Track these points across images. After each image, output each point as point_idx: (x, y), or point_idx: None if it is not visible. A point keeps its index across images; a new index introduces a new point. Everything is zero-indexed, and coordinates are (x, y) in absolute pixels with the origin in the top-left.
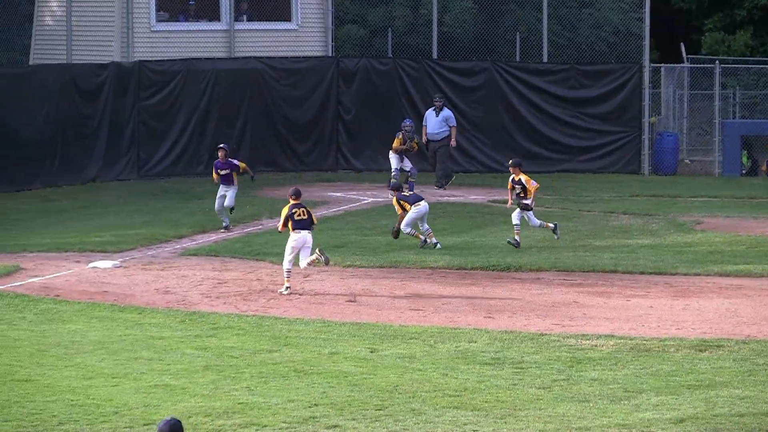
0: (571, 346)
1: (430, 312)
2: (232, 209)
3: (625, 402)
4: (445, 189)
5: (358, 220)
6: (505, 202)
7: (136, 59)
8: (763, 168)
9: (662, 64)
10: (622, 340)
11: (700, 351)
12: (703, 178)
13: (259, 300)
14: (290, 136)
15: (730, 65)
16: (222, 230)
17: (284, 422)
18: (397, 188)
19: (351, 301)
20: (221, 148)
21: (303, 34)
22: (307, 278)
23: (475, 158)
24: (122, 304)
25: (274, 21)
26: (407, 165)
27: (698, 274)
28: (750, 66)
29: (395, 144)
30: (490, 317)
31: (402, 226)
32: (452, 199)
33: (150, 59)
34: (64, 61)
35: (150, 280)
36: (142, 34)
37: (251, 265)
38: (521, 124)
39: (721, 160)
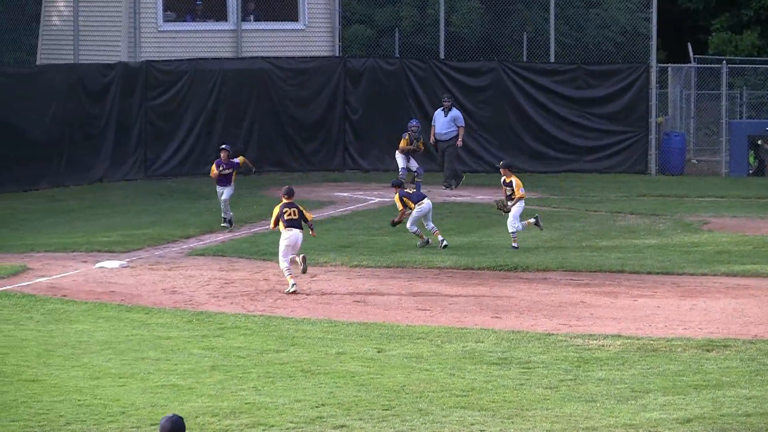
0: (578, 346)
1: (437, 312)
2: (230, 222)
3: (632, 402)
4: (452, 189)
5: (365, 220)
6: None
7: (143, 59)
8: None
9: (669, 64)
10: (629, 340)
11: (707, 351)
12: (710, 178)
13: (266, 300)
14: (297, 136)
15: (737, 65)
16: (224, 225)
17: (291, 422)
18: (398, 185)
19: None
20: (223, 149)
21: (310, 34)
22: (314, 278)
23: (482, 158)
24: (129, 304)
25: (281, 21)
26: (413, 165)
27: (705, 274)
28: (757, 66)
29: (401, 144)
30: (497, 317)
31: (408, 225)
32: (459, 199)
33: (157, 59)
34: (71, 61)
35: (157, 280)
36: (149, 34)
37: (258, 265)
38: (528, 124)
39: (728, 160)
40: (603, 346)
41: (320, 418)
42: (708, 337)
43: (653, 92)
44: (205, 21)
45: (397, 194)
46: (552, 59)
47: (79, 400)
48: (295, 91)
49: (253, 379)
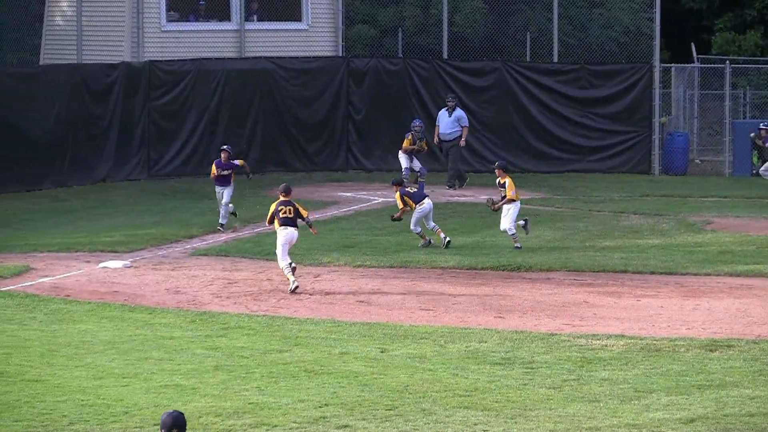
0: (582, 346)
1: (440, 312)
2: (234, 214)
3: (636, 402)
4: (456, 189)
5: (369, 220)
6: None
7: (146, 59)
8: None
9: (672, 64)
10: (632, 340)
11: (711, 351)
12: (713, 178)
13: (270, 300)
14: (300, 136)
15: (740, 65)
16: (219, 228)
17: (294, 422)
18: (398, 183)
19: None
20: (224, 150)
21: (313, 34)
22: (317, 278)
23: (485, 158)
24: (132, 304)
25: (285, 21)
26: (417, 165)
27: (708, 274)
28: (760, 66)
29: (404, 144)
30: (500, 317)
31: (411, 226)
32: (462, 199)
33: (160, 59)
34: (75, 61)
35: (160, 280)
36: (153, 34)
37: (261, 265)
38: (531, 124)
39: (731, 160)
40: (606, 346)
41: (323, 418)
42: (711, 337)
43: (656, 92)
44: (208, 21)
45: (398, 192)
46: (555, 59)
47: (82, 400)
48: (299, 91)
49: (257, 379)
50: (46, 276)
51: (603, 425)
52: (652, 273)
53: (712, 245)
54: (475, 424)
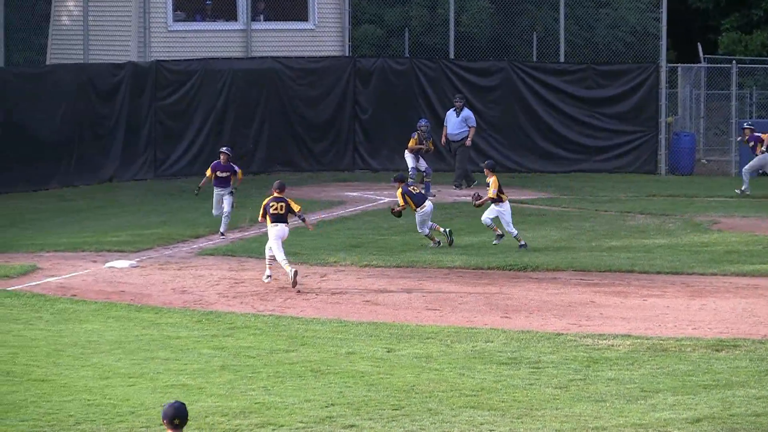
0: (588, 345)
1: (446, 312)
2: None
3: (642, 402)
4: (462, 189)
5: (375, 219)
6: (521, 202)
7: (152, 59)
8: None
9: (679, 64)
10: (638, 340)
11: (717, 351)
12: (719, 178)
13: (276, 300)
14: (307, 136)
15: (746, 65)
16: (219, 236)
17: (301, 422)
18: (402, 179)
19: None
20: (224, 152)
21: (320, 33)
22: (323, 278)
23: (491, 158)
24: (139, 304)
25: (291, 21)
26: (422, 165)
27: (715, 274)
28: (767, 66)
29: (410, 144)
30: (506, 317)
31: (418, 229)
32: (469, 199)
33: (167, 59)
34: (81, 61)
35: (167, 280)
36: (159, 34)
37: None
38: (538, 124)
39: (737, 160)
40: (612, 345)
41: (330, 417)
42: (718, 336)
43: (663, 92)
44: (214, 21)
45: (401, 189)
46: (562, 59)
47: (88, 400)
48: (305, 90)
49: (263, 378)
50: (53, 276)
51: (609, 425)
52: (659, 273)
53: (718, 245)
54: (482, 424)
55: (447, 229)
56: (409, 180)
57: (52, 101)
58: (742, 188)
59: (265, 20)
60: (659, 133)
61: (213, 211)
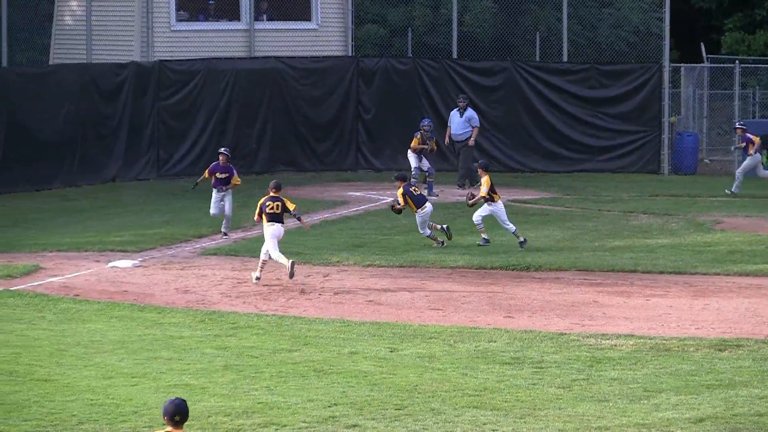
0: (591, 345)
1: (449, 311)
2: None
3: (645, 401)
4: (465, 189)
5: (378, 219)
6: (524, 201)
7: (155, 59)
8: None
9: (682, 64)
10: (641, 340)
11: (720, 350)
12: (722, 178)
13: (279, 299)
14: (310, 136)
15: (750, 65)
16: (222, 236)
17: (304, 422)
18: (403, 179)
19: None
20: (223, 152)
21: (323, 33)
22: (326, 277)
23: (495, 158)
24: (142, 304)
25: (294, 21)
26: (425, 165)
27: (718, 274)
28: None
29: (413, 143)
30: (509, 317)
31: (420, 231)
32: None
33: (170, 59)
34: (84, 61)
35: (170, 280)
36: (162, 34)
37: (271, 264)
38: (541, 124)
39: (740, 160)
40: (616, 345)
41: (333, 417)
42: (721, 336)
43: (666, 92)
44: (217, 21)
45: (402, 189)
46: (565, 59)
47: (91, 400)
48: (308, 90)
49: (266, 378)
50: (56, 275)
51: (612, 425)
52: (662, 273)
53: (721, 245)
54: (484, 424)
55: (444, 225)
56: (412, 180)
57: (55, 101)
58: (732, 189)
59: (268, 20)
60: (662, 132)
61: (210, 211)
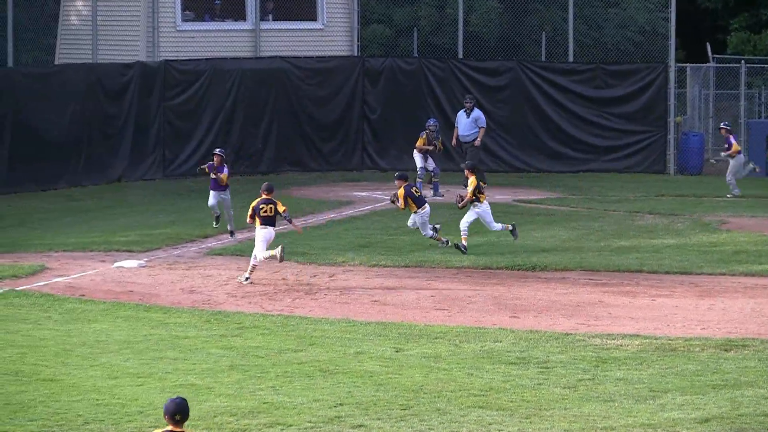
0: (597, 345)
1: (455, 312)
2: (232, 233)
3: (651, 402)
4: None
5: (384, 219)
6: (530, 201)
7: (161, 59)
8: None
9: (688, 64)
10: (647, 340)
11: (726, 351)
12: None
13: (285, 299)
14: (316, 136)
15: (755, 65)
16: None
17: (309, 422)
18: (404, 178)
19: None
20: (217, 153)
21: (328, 33)
22: (332, 277)
23: (500, 158)
24: (147, 304)
25: (300, 20)
26: (431, 165)
27: (723, 274)
28: None
29: (419, 143)
30: (515, 317)
31: (422, 232)
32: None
33: (175, 59)
34: (90, 61)
35: (175, 280)
36: (168, 34)
37: (276, 264)
38: (547, 124)
39: (746, 160)
40: (621, 345)
41: (338, 417)
42: (726, 336)
43: (672, 92)
44: (223, 20)
45: (403, 189)
46: (570, 59)
47: (97, 400)
48: (314, 90)
49: (272, 378)
50: (61, 275)
51: (618, 425)
52: (667, 273)
53: (727, 245)
54: (490, 424)
55: (436, 225)
56: (418, 180)
57: (60, 101)
58: (733, 193)
59: (273, 20)
60: (668, 133)
61: (209, 201)
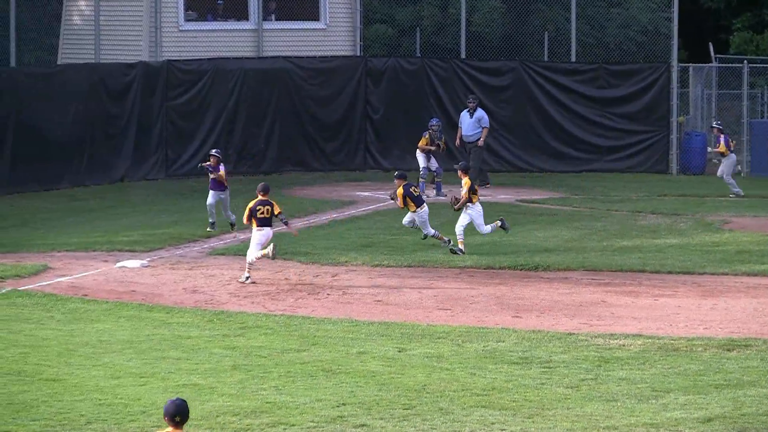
0: (599, 345)
1: (458, 311)
2: (232, 224)
3: (653, 401)
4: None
5: (386, 219)
6: (532, 201)
7: (164, 59)
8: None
9: (690, 64)
10: (649, 340)
11: (728, 350)
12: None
13: (287, 299)
14: (318, 136)
15: (758, 65)
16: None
17: (312, 422)
18: (403, 177)
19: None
20: (212, 154)
21: (331, 33)
22: (335, 277)
23: (503, 158)
24: (150, 304)
25: (303, 20)
26: (434, 165)
27: (726, 274)
28: None
29: (421, 143)
30: (517, 317)
31: (423, 231)
32: (480, 198)
33: (178, 59)
34: (92, 61)
35: (178, 280)
36: (171, 34)
37: (279, 264)
38: (549, 124)
39: (749, 160)
40: (624, 345)
41: (341, 417)
42: (729, 336)
43: (674, 92)
44: (226, 20)
45: (402, 189)
46: (573, 59)
47: (100, 400)
48: (316, 90)
49: (274, 378)
50: (64, 275)
51: (620, 424)
52: (670, 272)
53: (729, 245)
54: (493, 423)
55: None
56: (421, 181)
57: (63, 101)
58: (735, 191)
59: (276, 20)
60: (671, 132)
61: (208, 200)
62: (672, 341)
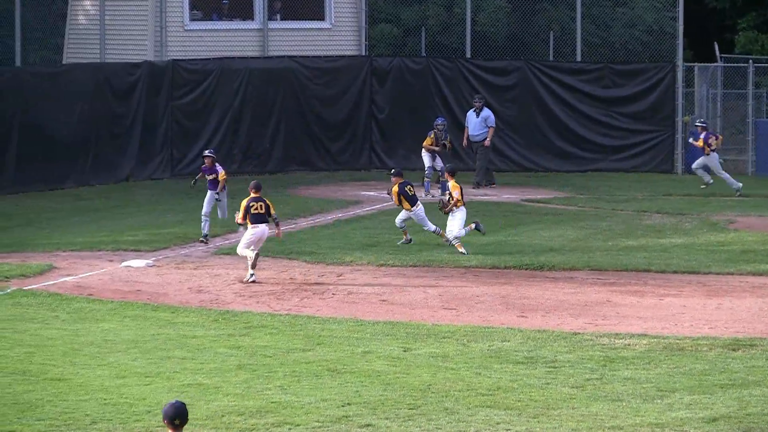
0: (604, 345)
1: (463, 311)
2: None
3: (658, 401)
4: (480, 188)
5: (391, 219)
6: (538, 201)
7: (169, 58)
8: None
9: (695, 64)
10: (655, 339)
11: (733, 350)
12: (736, 177)
13: (293, 299)
14: (323, 135)
15: (763, 64)
16: (201, 241)
17: (317, 421)
18: (399, 175)
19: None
20: (207, 155)
21: (336, 33)
22: (340, 277)
23: (508, 157)
24: (155, 303)
25: (308, 20)
26: (439, 164)
27: (731, 274)
28: None
29: (426, 142)
30: (523, 316)
31: (424, 227)
32: (486, 198)
33: (183, 58)
34: (98, 60)
35: (183, 279)
36: (176, 33)
37: (284, 264)
38: (554, 123)
39: (754, 160)
40: (629, 345)
41: (346, 417)
42: (734, 336)
43: (679, 91)
44: (231, 20)
45: (397, 188)
46: (578, 58)
47: (105, 399)
48: (322, 90)
49: (279, 378)
50: (69, 275)
51: (626, 424)
52: (675, 272)
53: (734, 244)
54: (498, 423)
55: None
56: (426, 180)
57: (68, 101)
58: (736, 189)
59: (281, 19)
60: (676, 132)
61: (203, 209)
62: (677, 341)
